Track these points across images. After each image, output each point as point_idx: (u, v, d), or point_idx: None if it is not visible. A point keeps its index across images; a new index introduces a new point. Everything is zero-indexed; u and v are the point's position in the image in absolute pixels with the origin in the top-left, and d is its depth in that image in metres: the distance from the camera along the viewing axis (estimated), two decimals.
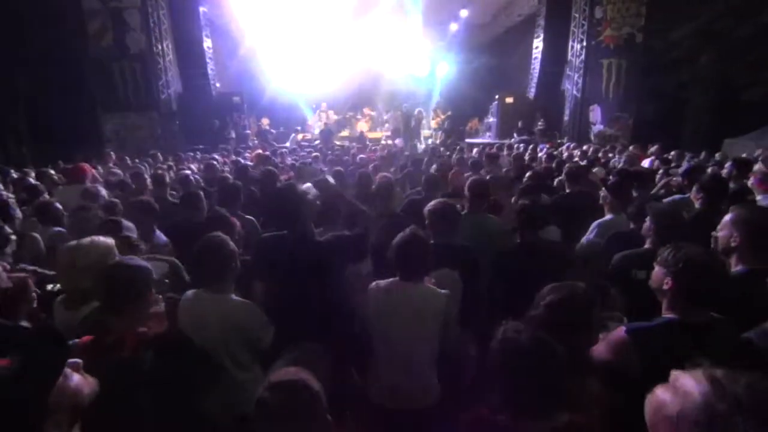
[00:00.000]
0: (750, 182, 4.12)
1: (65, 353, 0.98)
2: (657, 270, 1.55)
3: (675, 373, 0.82)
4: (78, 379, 1.01)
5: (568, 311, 1.43)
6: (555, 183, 4.53)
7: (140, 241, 2.41)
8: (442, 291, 1.95)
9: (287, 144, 13.47)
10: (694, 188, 3.00)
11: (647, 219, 2.22)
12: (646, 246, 2.22)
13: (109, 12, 12.20)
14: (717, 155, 7.25)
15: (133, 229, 2.58)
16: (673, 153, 6.99)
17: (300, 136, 14.51)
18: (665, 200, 3.53)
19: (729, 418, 0.69)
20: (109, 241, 1.98)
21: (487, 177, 3.90)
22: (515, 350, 1.15)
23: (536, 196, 3.22)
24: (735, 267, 1.78)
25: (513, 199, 3.57)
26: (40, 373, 0.91)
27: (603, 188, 3.16)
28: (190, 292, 1.91)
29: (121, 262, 1.54)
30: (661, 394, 0.81)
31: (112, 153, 8.66)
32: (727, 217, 1.88)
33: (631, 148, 8.68)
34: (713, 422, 0.70)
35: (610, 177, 3.62)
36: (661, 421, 0.79)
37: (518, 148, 9.77)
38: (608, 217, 3.01)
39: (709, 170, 5.10)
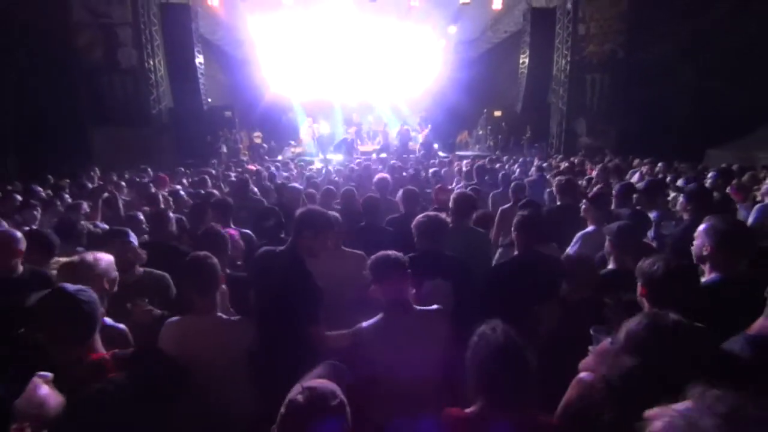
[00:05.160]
0: (727, 191, 4.28)
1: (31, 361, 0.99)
2: (639, 282, 1.62)
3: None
4: (46, 391, 1.03)
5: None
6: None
7: (142, 251, 2.43)
8: (433, 307, 1.91)
9: (279, 157, 13.54)
10: (682, 200, 3.05)
11: (606, 240, 2.28)
12: (610, 266, 2.26)
13: (100, 27, 12.24)
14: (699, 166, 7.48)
15: (135, 237, 2.60)
16: (660, 165, 7.17)
17: (293, 150, 14.60)
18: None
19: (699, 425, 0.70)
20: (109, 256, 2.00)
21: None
22: (489, 347, 1.27)
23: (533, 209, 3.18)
24: (708, 275, 1.85)
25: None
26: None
27: (584, 200, 3.23)
28: (173, 319, 1.89)
29: (73, 295, 1.39)
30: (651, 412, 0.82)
31: (96, 169, 8.61)
32: (701, 226, 1.96)
33: (617, 159, 8.89)
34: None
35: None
36: None
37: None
38: (590, 228, 3.06)
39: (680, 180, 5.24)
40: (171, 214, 3.22)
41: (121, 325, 1.88)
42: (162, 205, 4.34)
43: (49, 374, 1.05)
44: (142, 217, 3.31)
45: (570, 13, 12.84)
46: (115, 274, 2.00)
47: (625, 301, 1.76)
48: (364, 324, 1.87)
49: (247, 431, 1.87)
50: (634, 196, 3.56)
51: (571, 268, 2.01)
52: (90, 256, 1.94)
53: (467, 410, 1.32)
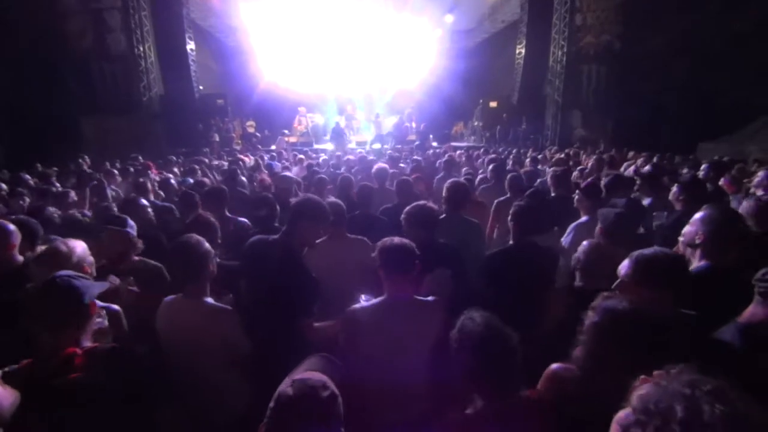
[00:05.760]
0: (720, 183, 4.31)
1: None
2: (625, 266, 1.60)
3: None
4: None
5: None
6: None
7: (138, 240, 2.41)
8: (430, 298, 1.91)
9: (273, 147, 13.41)
10: (675, 190, 3.07)
11: (597, 226, 2.28)
12: None
13: (88, 13, 11.95)
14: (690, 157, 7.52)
15: (133, 226, 2.57)
16: (655, 158, 7.20)
17: (287, 139, 14.47)
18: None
19: (669, 388, 0.73)
20: (83, 244, 1.97)
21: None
22: (472, 334, 1.26)
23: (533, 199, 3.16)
24: (698, 262, 1.86)
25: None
26: None
27: (577, 191, 3.22)
28: (168, 298, 1.91)
29: (56, 280, 1.43)
30: (619, 417, 0.84)
31: (86, 157, 8.46)
32: (696, 215, 1.96)
33: (613, 151, 8.91)
34: (648, 414, 0.74)
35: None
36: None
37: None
38: (584, 219, 3.06)
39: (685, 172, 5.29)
40: (145, 201, 3.14)
41: (115, 306, 1.87)
42: (151, 194, 4.29)
43: None
44: (115, 207, 3.27)
45: (567, 4, 12.74)
46: (92, 258, 1.99)
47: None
48: (358, 306, 1.86)
49: (242, 421, 1.86)
50: (637, 184, 3.56)
51: (586, 259, 1.99)
52: (63, 245, 1.91)
53: (467, 411, 1.29)
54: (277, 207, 3.13)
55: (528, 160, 7.41)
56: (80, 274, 1.53)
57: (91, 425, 1.28)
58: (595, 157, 6.80)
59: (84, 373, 1.34)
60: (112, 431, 1.34)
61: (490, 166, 4.80)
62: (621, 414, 0.83)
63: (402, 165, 6.74)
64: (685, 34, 11.46)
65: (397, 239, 1.86)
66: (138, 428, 1.43)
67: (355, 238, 2.71)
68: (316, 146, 13.83)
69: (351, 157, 8.00)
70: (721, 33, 11.04)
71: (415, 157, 8.02)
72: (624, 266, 1.58)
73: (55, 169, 7.14)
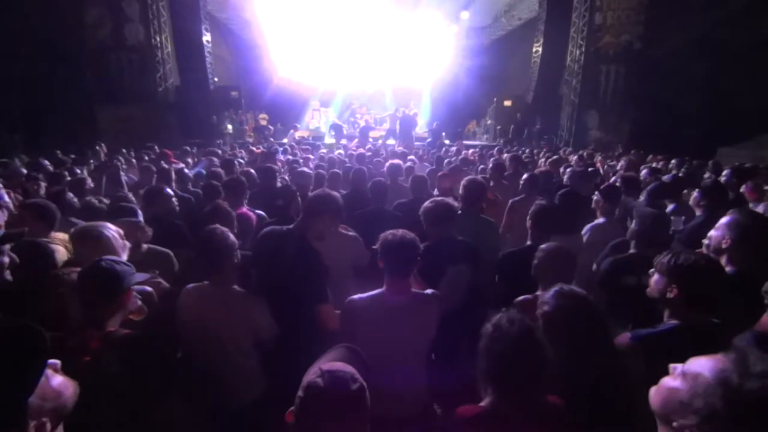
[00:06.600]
0: (742, 190, 4.19)
1: (42, 352, 0.91)
2: (657, 278, 1.56)
3: (677, 366, 0.83)
4: (60, 381, 0.97)
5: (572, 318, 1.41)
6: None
7: (147, 227, 2.44)
8: (428, 291, 1.92)
9: (284, 140, 13.46)
10: (696, 195, 3.01)
11: (633, 222, 2.24)
12: (631, 250, 2.23)
13: (107, 3, 12.10)
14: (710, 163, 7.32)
15: (141, 215, 2.60)
16: (673, 161, 7.04)
17: (298, 134, 14.52)
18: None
19: (744, 388, 0.70)
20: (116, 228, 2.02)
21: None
22: (505, 336, 1.23)
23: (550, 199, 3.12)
24: (725, 268, 1.80)
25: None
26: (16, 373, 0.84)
27: (595, 192, 3.17)
28: (191, 286, 1.91)
29: (101, 262, 1.48)
30: (670, 382, 0.82)
31: (103, 145, 8.57)
32: (723, 219, 1.92)
33: (632, 152, 8.74)
34: (728, 393, 0.71)
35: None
36: (675, 408, 0.79)
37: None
38: (600, 220, 3.03)
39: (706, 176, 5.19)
40: (170, 191, 3.19)
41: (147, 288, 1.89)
42: (174, 183, 4.36)
43: (57, 361, 0.99)
44: (129, 194, 3.33)
45: (587, 2, 12.49)
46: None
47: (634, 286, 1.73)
48: (357, 297, 1.87)
49: (255, 408, 1.89)
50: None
51: (545, 262, 1.97)
52: (113, 229, 1.98)
53: (480, 405, 1.28)
54: (299, 199, 3.15)
55: (542, 160, 7.31)
56: (124, 261, 1.58)
57: (98, 409, 1.28)
58: (626, 158, 6.86)
59: (94, 359, 1.36)
60: (119, 416, 1.35)
61: (491, 165, 4.78)
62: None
63: (409, 162, 6.65)
64: (707, 35, 11.17)
65: (399, 233, 1.86)
66: (147, 414, 1.43)
67: (346, 234, 2.72)
68: (327, 141, 13.84)
69: (341, 151, 7.87)
70: (743, 34, 10.73)
71: (442, 155, 7.91)
72: (661, 264, 1.54)
73: (72, 156, 7.26)
